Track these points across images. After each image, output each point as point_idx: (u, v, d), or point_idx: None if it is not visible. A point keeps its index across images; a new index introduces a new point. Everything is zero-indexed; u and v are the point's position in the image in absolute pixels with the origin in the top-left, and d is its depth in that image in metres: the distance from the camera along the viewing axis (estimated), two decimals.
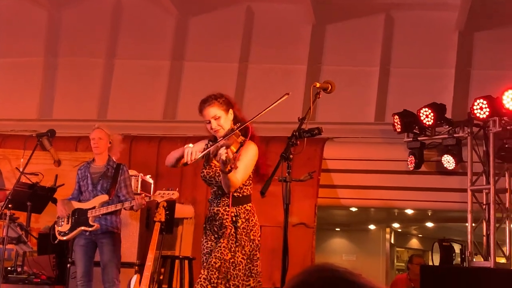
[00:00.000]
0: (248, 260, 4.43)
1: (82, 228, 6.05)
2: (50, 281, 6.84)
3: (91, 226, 6.03)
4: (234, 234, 4.41)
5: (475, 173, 8.16)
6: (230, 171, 4.13)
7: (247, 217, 4.48)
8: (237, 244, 4.40)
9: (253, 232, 4.48)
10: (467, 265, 7.82)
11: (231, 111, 4.52)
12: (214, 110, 4.47)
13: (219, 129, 4.48)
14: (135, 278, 6.32)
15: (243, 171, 4.32)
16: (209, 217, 4.59)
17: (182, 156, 4.46)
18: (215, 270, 4.31)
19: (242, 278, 4.36)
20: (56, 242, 6.25)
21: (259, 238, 4.53)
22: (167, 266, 7.38)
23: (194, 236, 8.25)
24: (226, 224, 4.45)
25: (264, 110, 4.24)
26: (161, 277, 7.24)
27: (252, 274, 4.43)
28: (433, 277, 6.91)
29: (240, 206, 4.48)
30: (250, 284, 4.40)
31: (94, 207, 6.07)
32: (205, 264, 4.48)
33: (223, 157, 4.02)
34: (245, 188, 4.50)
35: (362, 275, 1.64)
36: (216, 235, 4.52)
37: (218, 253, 4.37)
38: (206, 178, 4.58)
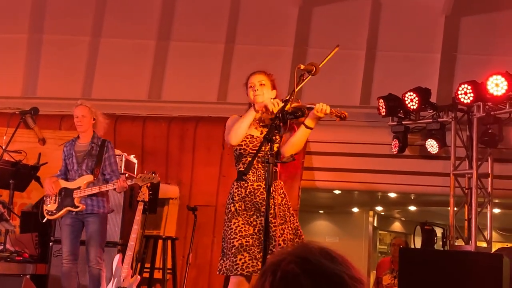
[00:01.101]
0: (294, 236, 4.46)
1: (68, 208, 6.06)
2: (32, 259, 6.83)
3: (77, 207, 6.03)
4: (280, 211, 4.40)
5: (458, 158, 8.22)
6: (312, 128, 4.40)
7: (284, 192, 4.54)
8: (282, 221, 4.40)
9: (292, 208, 4.56)
10: (448, 249, 7.89)
11: (275, 92, 4.68)
12: (263, 77, 4.67)
13: (260, 94, 4.58)
14: (117, 257, 6.31)
15: None
16: (243, 196, 4.48)
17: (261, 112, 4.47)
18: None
19: None
20: (44, 220, 6.25)
21: None
22: (150, 246, 7.39)
23: (179, 216, 8.27)
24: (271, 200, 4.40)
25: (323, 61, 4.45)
26: (144, 257, 7.25)
27: None
28: (413, 260, 6.95)
29: (277, 181, 4.49)
30: None
31: (79, 187, 6.07)
32: (246, 247, 4.40)
33: (328, 111, 4.29)
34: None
35: (344, 256, 1.66)
36: (257, 213, 4.44)
37: (282, 236, 4.37)
38: (249, 146, 4.53)
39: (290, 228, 4.46)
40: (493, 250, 7.99)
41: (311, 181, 9.01)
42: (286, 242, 4.38)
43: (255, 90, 4.60)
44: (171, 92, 9.90)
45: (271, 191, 4.37)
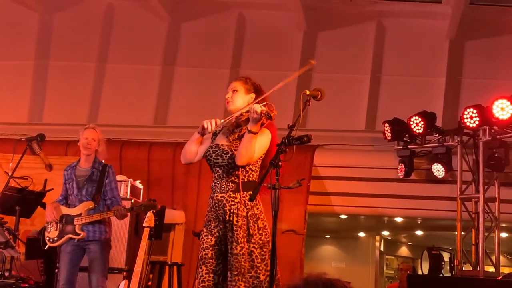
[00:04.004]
0: (259, 250, 4.29)
1: (69, 236, 5.98)
2: (38, 286, 6.79)
3: (78, 234, 5.95)
4: (238, 224, 4.28)
5: (465, 182, 8.19)
6: (256, 132, 4.19)
7: (252, 204, 4.34)
8: (245, 234, 4.27)
9: (261, 220, 4.36)
10: (456, 274, 7.83)
11: (252, 95, 4.54)
12: (236, 83, 4.61)
13: (231, 101, 4.55)
14: (123, 284, 6.29)
15: (256, 150, 4.30)
16: (211, 207, 4.43)
17: (200, 134, 4.43)
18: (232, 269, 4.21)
19: (259, 268, 4.25)
20: (46, 248, 6.18)
21: (267, 226, 4.40)
22: (155, 272, 7.36)
23: (184, 241, 8.23)
24: (231, 212, 4.32)
25: (283, 82, 4.34)
26: (150, 283, 7.21)
27: (265, 262, 4.28)
28: (420, 286, 6.90)
29: (246, 193, 4.34)
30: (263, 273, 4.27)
31: (80, 214, 5.99)
32: (204, 260, 4.35)
33: (258, 109, 4.08)
34: (251, 173, 4.39)
35: (350, 283, 1.69)
36: (221, 225, 4.36)
37: (231, 250, 4.27)
38: (212, 156, 4.43)
39: (253, 241, 4.30)
40: (501, 274, 7.93)
41: (317, 206, 8.98)
42: (245, 256, 4.25)
43: (226, 98, 4.60)
44: (177, 117, 9.92)
45: (237, 201, 4.33)
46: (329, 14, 9.81)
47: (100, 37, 10.29)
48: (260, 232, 4.34)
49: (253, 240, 4.29)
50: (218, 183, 4.43)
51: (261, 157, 4.43)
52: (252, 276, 4.23)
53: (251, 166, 4.40)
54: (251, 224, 4.32)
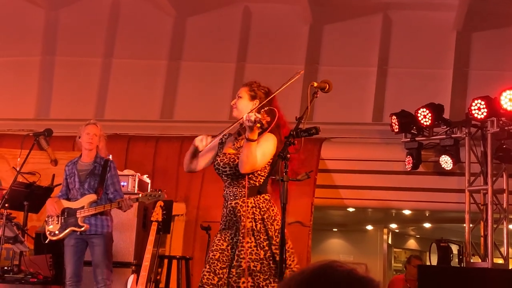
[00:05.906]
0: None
1: (72, 228, 6.01)
2: (46, 281, 6.81)
3: (81, 227, 5.98)
4: (257, 229, 4.29)
5: (473, 174, 8.16)
6: (254, 140, 4.14)
7: (267, 207, 4.36)
8: (266, 237, 4.28)
9: (277, 222, 4.35)
10: (464, 266, 7.81)
11: (256, 101, 4.51)
12: (242, 90, 4.59)
13: (235, 108, 4.55)
14: (132, 278, 6.30)
15: (260, 156, 4.28)
16: (226, 215, 4.44)
17: (195, 152, 4.46)
18: (259, 274, 4.21)
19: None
20: (46, 242, 6.20)
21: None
22: (164, 266, 7.36)
23: (185, 233, 8.22)
24: (247, 218, 4.31)
25: (277, 91, 4.39)
26: (158, 277, 7.22)
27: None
28: (430, 277, 6.89)
29: (259, 196, 4.35)
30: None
31: (83, 207, 6.02)
32: (210, 260, 4.37)
33: (252, 117, 4.03)
34: (260, 178, 4.38)
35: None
36: (236, 232, 4.35)
37: (252, 256, 4.24)
38: (220, 165, 4.44)
39: (274, 243, 4.28)
40: (510, 266, 7.90)
41: (324, 199, 8.97)
42: (271, 258, 4.26)
43: (231, 104, 4.61)
44: (183, 112, 9.93)
45: (252, 206, 4.33)
46: (335, 7, 9.79)
47: (106, 32, 10.29)
48: (277, 234, 4.32)
49: (274, 243, 4.29)
50: (230, 191, 4.45)
51: (269, 162, 4.40)
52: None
53: (259, 172, 4.39)
54: (269, 226, 4.33)
